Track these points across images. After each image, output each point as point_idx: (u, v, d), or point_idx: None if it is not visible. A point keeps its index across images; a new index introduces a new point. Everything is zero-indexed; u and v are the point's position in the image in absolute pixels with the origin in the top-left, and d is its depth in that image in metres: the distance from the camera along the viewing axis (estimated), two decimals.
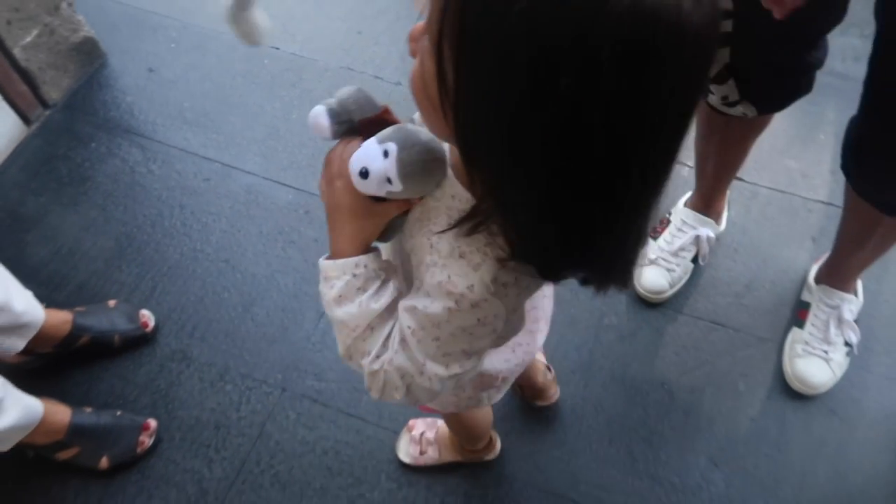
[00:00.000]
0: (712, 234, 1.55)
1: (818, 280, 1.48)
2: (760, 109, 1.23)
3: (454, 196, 0.61)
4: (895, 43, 0.97)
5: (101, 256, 1.59)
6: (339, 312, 0.66)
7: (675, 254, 1.52)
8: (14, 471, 1.31)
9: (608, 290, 0.59)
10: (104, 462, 1.30)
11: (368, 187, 0.60)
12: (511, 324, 0.67)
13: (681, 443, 1.38)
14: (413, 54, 0.55)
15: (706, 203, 1.54)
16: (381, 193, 0.61)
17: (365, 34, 1.99)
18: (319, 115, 0.64)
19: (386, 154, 0.59)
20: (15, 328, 1.29)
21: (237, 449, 1.37)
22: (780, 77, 1.18)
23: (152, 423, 1.36)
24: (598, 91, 0.42)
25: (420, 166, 0.59)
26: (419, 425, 1.37)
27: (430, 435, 1.36)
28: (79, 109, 1.82)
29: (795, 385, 1.41)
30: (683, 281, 1.54)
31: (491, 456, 1.34)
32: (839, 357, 1.41)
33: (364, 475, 1.34)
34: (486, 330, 0.62)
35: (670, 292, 1.52)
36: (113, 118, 1.81)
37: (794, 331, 1.46)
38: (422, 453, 1.34)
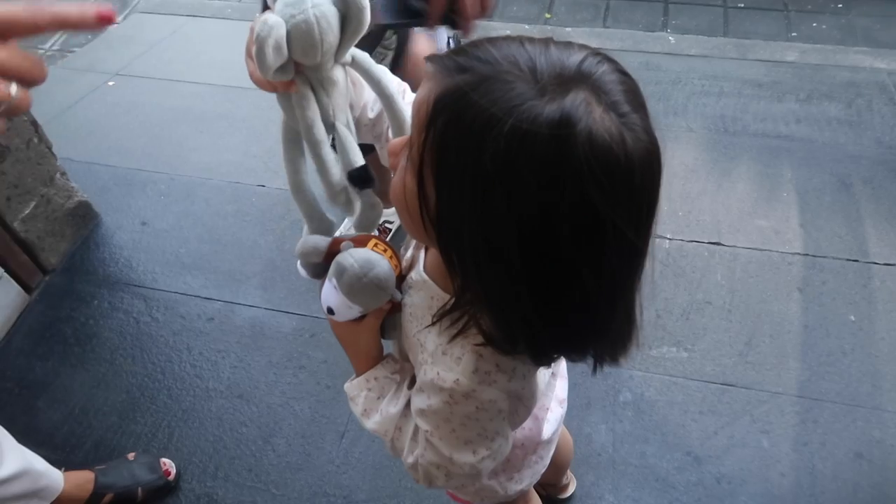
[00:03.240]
0: None
1: None
2: None
3: (433, 297, 0.68)
4: None
5: (114, 411, 1.59)
6: (370, 424, 0.74)
7: None
8: None
9: (602, 367, 0.64)
10: (139, 493, 1.41)
11: (342, 318, 0.73)
12: (522, 402, 0.71)
13: None
14: (393, 168, 0.62)
15: None
16: (356, 316, 0.72)
17: None
18: (300, 270, 0.77)
19: (336, 288, 0.70)
20: (35, 493, 1.27)
21: None
22: None
23: (166, 460, 1.47)
24: (565, 213, 0.49)
25: (359, 287, 0.69)
26: None
27: None
28: (78, 270, 1.87)
29: None
30: None
31: None
32: None
33: None
34: (490, 414, 0.66)
35: None
36: (112, 274, 1.86)
37: None
38: None
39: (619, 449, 1.46)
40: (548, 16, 2.89)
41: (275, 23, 0.64)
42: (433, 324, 0.65)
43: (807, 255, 1.77)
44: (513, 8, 2.94)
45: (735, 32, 2.69)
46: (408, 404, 0.71)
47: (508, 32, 2.75)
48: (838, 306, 1.67)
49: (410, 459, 0.70)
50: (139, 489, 1.41)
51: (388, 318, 0.76)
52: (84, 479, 1.37)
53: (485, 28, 2.78)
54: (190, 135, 2.30)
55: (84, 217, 1.94)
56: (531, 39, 0.54)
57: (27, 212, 1.73)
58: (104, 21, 0.81)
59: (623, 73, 0.53)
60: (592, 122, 0.48)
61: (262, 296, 1.79)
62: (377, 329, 0.75)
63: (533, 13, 2.90)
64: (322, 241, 0.75)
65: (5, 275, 1.71)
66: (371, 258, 0.71)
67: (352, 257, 0.71)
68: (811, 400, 1.51)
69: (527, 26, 2.81)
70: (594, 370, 0.63)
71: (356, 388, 0.76)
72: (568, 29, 2.77)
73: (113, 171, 2.13)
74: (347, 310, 0.72)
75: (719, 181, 1.99)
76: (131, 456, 1.47)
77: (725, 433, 1.48)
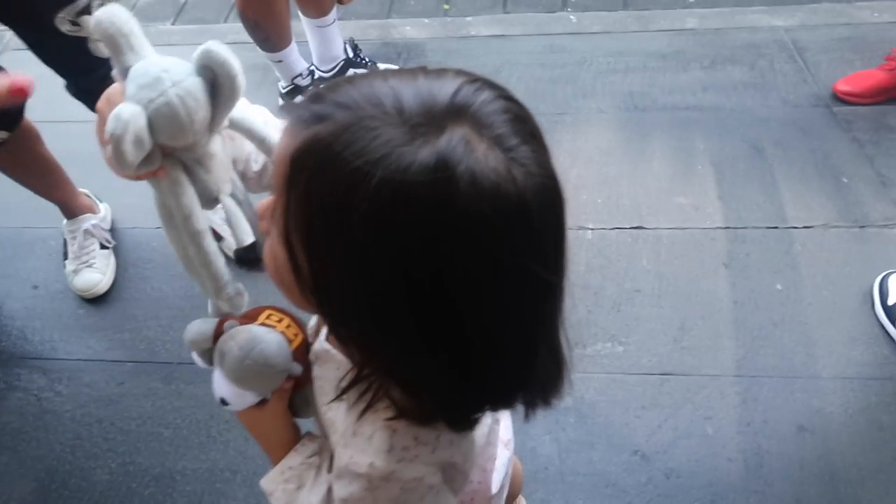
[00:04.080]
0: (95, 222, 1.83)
1: None
2: None
3: (338, 367, 0.61)
4: None
5: (22, 502, 1.45)
6: None
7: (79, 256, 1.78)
8: None
9: (534, 412, 0.58)
10: None
11: (239, 406, 0.67)
12: (457, 469, 0.64)
13: None
14: (264, 233, 0.55)
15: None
16: (254, 402, 0.67)
17: None
18: (195, 359, 0.72)
19: (222, 376, 0.65)
20: None
21: None
22: None
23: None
24: (459, 266, 0.44)
25: (242, 371, 0.64)
26: None
27: None
28: None
29: None
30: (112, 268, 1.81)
31: None
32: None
33: None
34: (420, 492, 0.59)
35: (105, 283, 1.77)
36: (5, 349, 1.70)
37: None
38: None
39: (566, 459, 1.42)
40: (446, 7, 2.80)
41: (130, 116, 0.55)
42: (336, 398, 0.58)
43: (728, 227, 1.75)
44: (410, 2, 2.85)
45: (635, 4, 2.66)
46: (329, 491, 0.64)
47: (408, 29, 2.67)
48: (764, 277, 1.65)
49: None
50: None
51: (298, 395, 0.69)
52: None
53: (383, 27, 2.69)
54: (80, 180, 2.12)
55: None
56: (398, 72, 0.47)
57: None
58: (19, 94, 0.71)
59: (508, 98, 0.47)
60: (474, 161, 0.42)
61: (174, 349, 1.67)
62: (284, 412, 0.69)
63: (431, 6, 2.81)
64: (207, 325, 0.68)
65: None
66: (255, 336, 0.64)
67: (232, 339, 0.64)
68: (749, 378, 1.49)
69: (426, 20, 2.72)
70: (525, 416, 0.57)
71: (272, 483, 0.69)
72: (469, 18, 2.69)
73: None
74: (241, 398, 0.66)
75: (635, 161, 1.96)
76: None
77: (669, 425, 1.44)
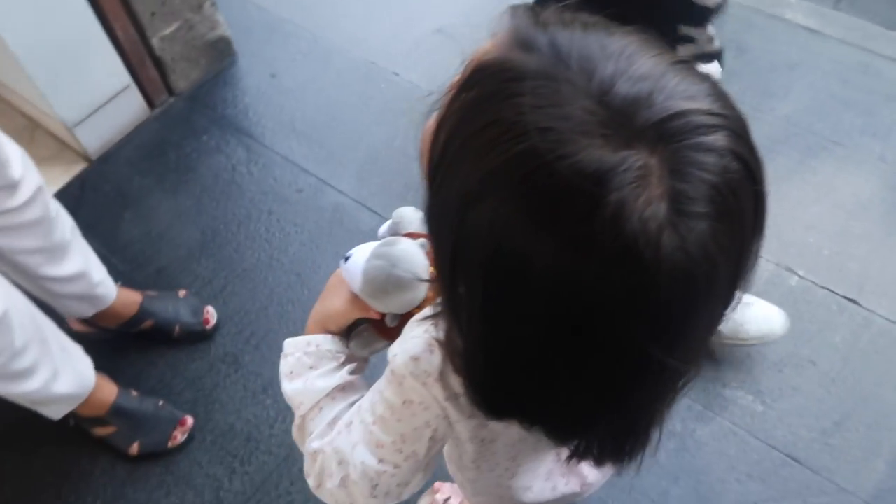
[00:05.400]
0: None
1: None
2: None
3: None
4: None
5: (185, 245, 1.65)
6: (288, 388, 0.67)
7: None
8: (54, 435, 1.36)
9: (579, 457, 0.55)
10: (135, 448, 1.33)
11: (346, 274, 0.67)
12: (462, 443, 0.62)
13: None
14: None
15: None
16: (354, 289, 0.66)
17: None
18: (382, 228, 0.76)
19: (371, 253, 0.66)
20: (88, 297, 1.35)
21: (261, 466, 1.36)
22: None
23: (189, 420, 1.37)
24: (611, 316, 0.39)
25: (377, 280, 0.64)
26: (445, 489, 1.31)
27: (454, 502, 1.29)
28: (200, 102, 1.91)
29: None
30: None
31: None
32: None
33: None
34: (415, 421, 0.57)
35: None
36: (229, 115, 1.89)
37: None
38: None
39: (644, 477, 1.34)
40: None
41: None
42: (428, 318, 0.56)
43: None
44: None
45: None
46: (343, 388, 0.65)
47: None
48: None
49: (315, 445, 0.63)
50: (177, 326, 1.47)
51: (366, 331, 0.70)
52: (132, 300, 1.44)
53: None
54: None
55: (222, 52, 1.95)
56: (641, 49, 0.39)
57: (167, 32, 1.76)
58: None
59: (740, 159, 0.38)
60: (634, 199, 0.35)
61: (353, 185, 1.75)
62: (352, 311, 0.69)
63: None
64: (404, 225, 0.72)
65: (133, 85, 1.76)
66: (417, 261, 0.64)
67: (404, 244, 0.66)
68: None
69: None
70: (569, 458, 0.54)
71: (293, 346, 0.70)
72: None
73: (262, 13, 2.11)
74: (354, 275, 0.66)
75: (889, 230, 1.68)
76: (182, 293, 1.52)
77: None
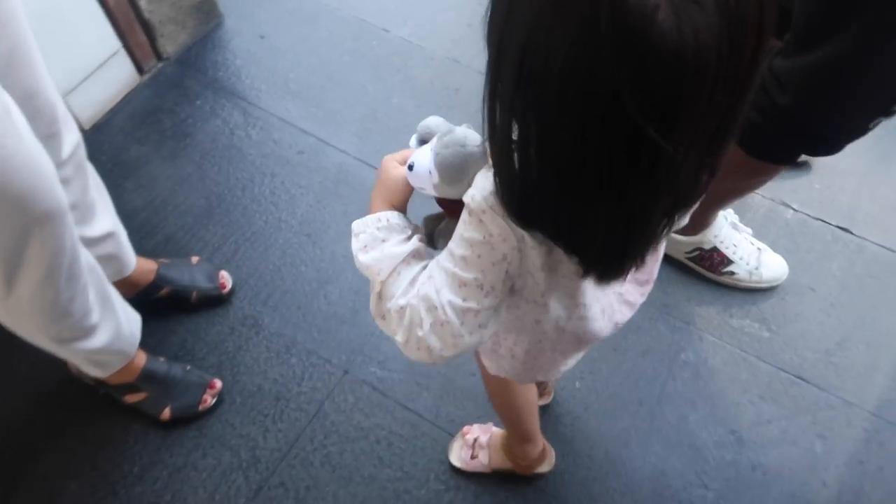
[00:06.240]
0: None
1: None
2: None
3: None
4: None
5: (190, 212, 1.63)
6: (364, 259, 0.70)
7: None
8: (85, 406, 1.36)
9: (605, 278, 0.60)
10: (166, 413, 1.34)
11: (416, 179, 0.70)
12: (529, 274, 0.66)
13: (743, 496, 1.31)
14: None
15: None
16: (428, 187, 0.69)
17: (475, 28, 1.95)
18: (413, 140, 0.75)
19: (432, 150, 0.68)
20: (118, 258, 1.33)
21: (293, 423, 1.38)
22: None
23: (218, 383, 1.38)
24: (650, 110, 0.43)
25: (454, 164, 0.66)
26: (474, 430, 1.35)
27: (483, 439, 1.33)
28: (190, 66, 1.87)
29: None
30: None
31: (543, 468, 1.30)
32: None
33: (413, 471, 1.33)
34: (494, 255, 0.62)
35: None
36: (221, 79, 1.85)
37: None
38: (473, 457, 1.32)
39: (663, 405, 1.40)
40: None
41: None
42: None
43: None
44: None
45: None
46: (411, 254, 0.69)
47: None
48: None
49: (402, 301, 0.67)
50: (194, 292, 1.46)
51: (449, 223, 0.73)
52: (148, 267, 1.43)
53: None
54: None
55: (208, 14, 1.91)
56: None
57: None
58: None
59: None
60: None
61: (355, 143, 1.75)
62: (408, 195, 0.74)
63: None
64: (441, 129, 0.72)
65: (122, 50, 1.72)
66: (478, 138, 0.67)
67: (458, 128, 0.68)
68: (885, 421, 1.38)
69: None
70: (584, 274, 0.61)
71: (363, 225, 0.71)
72: None
73: None
74: (426, 175, 0.68)
75: (875, 164, 1.75)
76: (195, 260, 1.51)
77: (779, 425, 1.38)
